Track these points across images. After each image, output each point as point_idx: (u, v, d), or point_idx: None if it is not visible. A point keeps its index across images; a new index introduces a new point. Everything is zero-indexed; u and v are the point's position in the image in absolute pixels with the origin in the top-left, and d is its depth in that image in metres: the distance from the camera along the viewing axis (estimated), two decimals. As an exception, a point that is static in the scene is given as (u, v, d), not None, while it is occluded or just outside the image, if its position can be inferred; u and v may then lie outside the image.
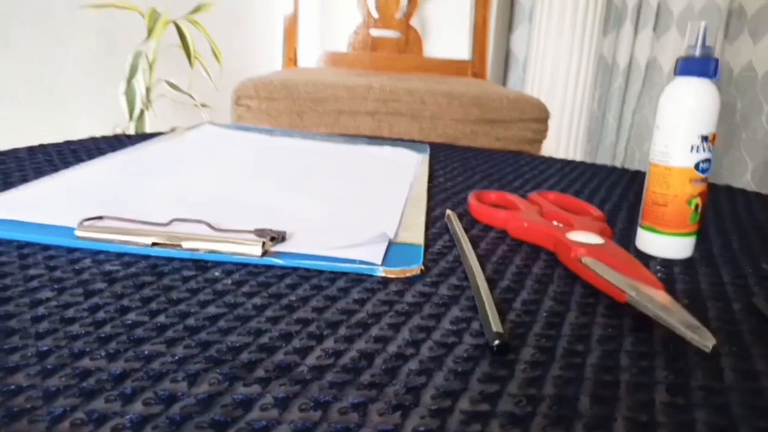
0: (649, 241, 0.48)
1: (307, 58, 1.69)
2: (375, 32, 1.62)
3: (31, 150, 0.67)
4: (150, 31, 1.21)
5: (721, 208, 0.65)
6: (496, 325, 0.32)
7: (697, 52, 0.44)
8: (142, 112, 1.25)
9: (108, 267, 0.39)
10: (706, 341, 0.31)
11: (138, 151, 0.68)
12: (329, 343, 0.31)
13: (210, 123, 0.86)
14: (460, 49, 1.72)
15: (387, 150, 0.79)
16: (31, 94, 1.23)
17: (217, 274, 0.39)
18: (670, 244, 0.47)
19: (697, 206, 0.46)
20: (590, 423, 0.26)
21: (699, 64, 0.44)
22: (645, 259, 0.47)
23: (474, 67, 1.60)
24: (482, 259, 0.44)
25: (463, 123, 1.07)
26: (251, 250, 0.41)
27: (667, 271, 0.44)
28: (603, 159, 1.98)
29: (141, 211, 0.46)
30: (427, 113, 1.06)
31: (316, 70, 1.42)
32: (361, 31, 1.60)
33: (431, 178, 0.69)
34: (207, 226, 0.44)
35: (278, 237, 0.43)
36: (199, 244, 0.41)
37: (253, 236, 0.42)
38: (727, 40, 1.87)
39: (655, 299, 0.34)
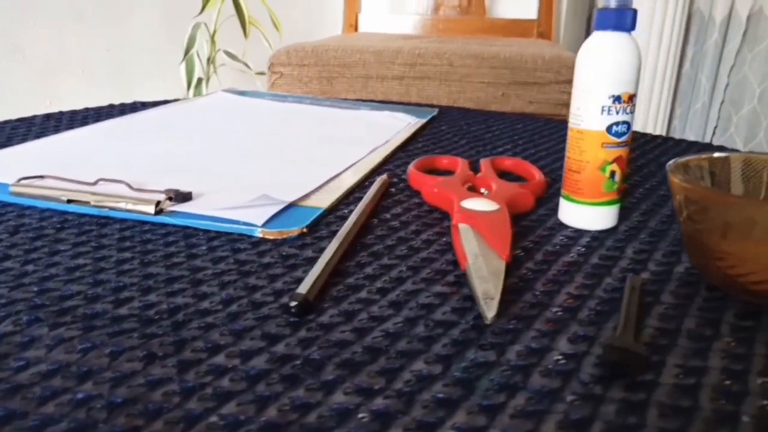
0: (566, 211, 0.45)
1: (374, 22, 1.69)
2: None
3: (47, 117, 0.75)
4: (205, 3, 1.27)
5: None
6: (304, 287, 0.32)
7: (613, 3, 0.40)
8: (200, 81, 1.33)
9: (25, 220, 0.44)
10: (487, 313, 0.29)
11: (133, 117, 0.73)
12: (151, 296, 0.33)
13: (226, 90, 0.91)
14: (529, 8, 1.64)
15: (380, 114, 0.79)
16: (102, 65, 1.35)
17: (109, 230, 0.42)
18: (584, 214, 0.44)
19: (613, 173, 0.42)
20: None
21: (614, 17, 0.40)
22: (562, 230, 0.44)
23: (540, 27, 1.52)
24: (382, 224, 0.44)
25: (494, 86, 1.03)
26: (146, 208, 0.44)
27: (568, 243, 0.41)
28: (694, 124, 1.80)
29: (92, 173, 0.50)
30: (456, 76, 1.03)
31: (364, 35, 1.43)
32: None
33: (408, 143, 0.69)
34: (126, 185, 0.48)
35: (178, 197, 0.46)
36: (105, 201, 0.45)
37: (159, 195, 0.45)
38: None
39: (483, 268, 0.33)
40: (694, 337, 0.30)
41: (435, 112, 0.85)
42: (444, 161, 0.58)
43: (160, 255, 0.39)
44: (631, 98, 0.41)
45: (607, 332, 0.30)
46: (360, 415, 0.24)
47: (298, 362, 0.27)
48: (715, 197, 0.31)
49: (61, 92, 1.30)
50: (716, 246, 0.31)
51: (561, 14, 1.63)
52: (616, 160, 0.42)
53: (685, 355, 0.28)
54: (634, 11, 0.40)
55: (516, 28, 1.54)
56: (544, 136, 0.75)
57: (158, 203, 0.44)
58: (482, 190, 0.50)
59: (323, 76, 1.07)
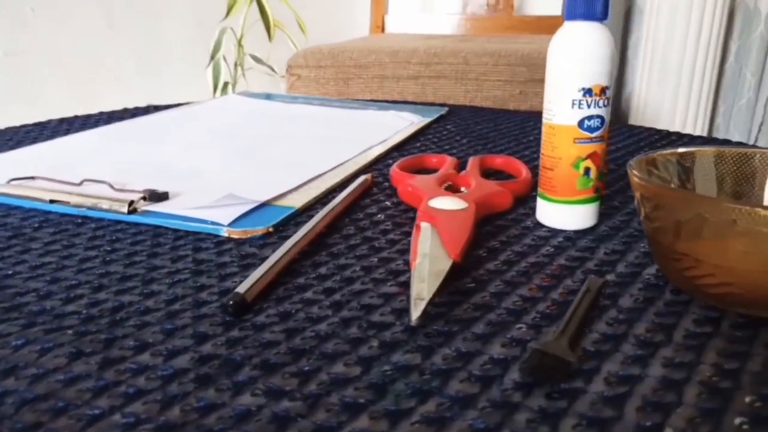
0: (542, 210, 0.43)
1: (403, 23, 1.69)
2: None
3: (61, 121, 0.77)
4: (230, 8, 1.30)
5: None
6: (244, 287, 0.32)
7: (583, -9, 0.38)
8: (226, 85, 1.35)
9: (8, 219, 0.45)
10: (413, 315, 0.28)
11: (138, 120, 0.75)
12: (101, 294, 0.34)
13: (239, 93, 0.92)
14: (557, 4, 1.60)
15: (384, 114, 0.78)
16: (133, 71, 1.40)
17: (84, 230, 0.43)
18: (559, 213, 0.42)
19: (587, 170, 0.40)
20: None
21: (583, 5, 0.38)
22: (537, 230, 0.42)
23: (569, 23, 1.48)
24: (353, 223, 0.44)
25: (511, 84, 1.00)
26: (120, 207, 0.45)
27: (538, 243, 0.40)
28: (738, 122, 1.72)
29: (84, 174, 0.51)
30: (472, 75, 1.01)
31: (390, 36, 1.42)
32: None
33: (408, 142, 0.68)
34: (108, 186, 0.49)
35: (153, 197, 0.46)
36: (84, 201, 0.46)
37: (135, 195, 0.46)
38: None
39: (425, 269, 0.32)
40: (640, 344, 0.28)
41: (444, 110, 0.84)
42: (433, 160, 0.57)
43: (123, 254, 0.39)
44: (604, 91, 0.39)
45: (545, 337, 0.28)
46: (257, 418, 0.23)
47: (216, 362, 0.27)
48: (665, 193, 0.29)
49: (94, 97, 1.35)
50: (671, 246, 0.29)
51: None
52: (591, 156, 0.40)
53: (624, 362, 0.26)
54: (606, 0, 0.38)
55: (545, 25, 1.51)
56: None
57: (132, 203, 0.45)
58: (462, 189, 0.48)
59: (339, 77, 1.07)
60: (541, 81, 1.12)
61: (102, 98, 1.36)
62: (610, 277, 0.35)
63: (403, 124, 0.74)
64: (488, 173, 0.54)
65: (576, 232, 0.42)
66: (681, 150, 0.34)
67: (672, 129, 0.80)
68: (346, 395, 0.25)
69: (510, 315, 0.31)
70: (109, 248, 0.40)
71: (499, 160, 0.56)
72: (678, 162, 0.34)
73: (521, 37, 1.34)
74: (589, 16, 0.38)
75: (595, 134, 0.40)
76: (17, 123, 0.76)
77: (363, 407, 0.24)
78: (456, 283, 0.34)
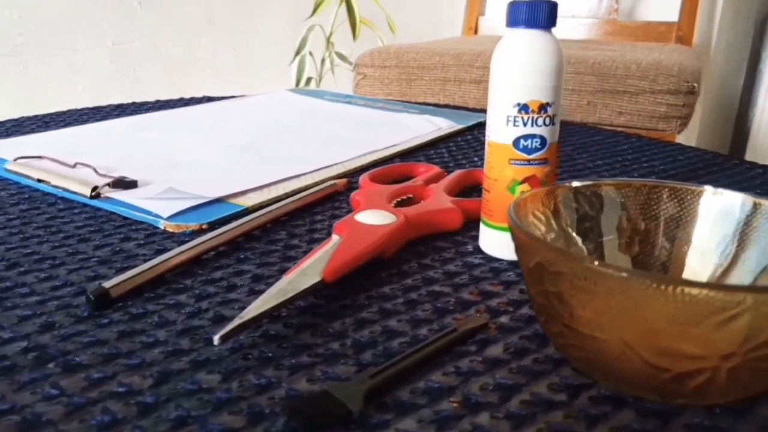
0: (482, 235, 0.39)
1: (499, 26, 1.63)
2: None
3: (116, 107, 0.83)
4: (316, 6, 1.33)
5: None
6: (112, 281, 0.32)
7: (527, -6, 0.34)
8: (309, 81, 1.39)
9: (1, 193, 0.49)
10: (218, 333, 0.26)
11: (176, 111, 0.78)
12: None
13: (290, 89, 0.93)
14: (671, 10, 1.45)
15: (413, 118, 0.75)
16: (229, 64, 1.47)
17: (52, 209, 0.46)
18: (495, 240, 0.37)
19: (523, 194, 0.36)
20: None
21: (525, 11, 0.34)
22: (467, 256, 0.38)
23: (680, 30, 1.34)
24: (286, 228, 0.42)
25: (578, 93, 0.93)
26: (83, 190, 0.47)
27: (452, 270, 0.36)
28: None
29: (93, 158, 0.54)
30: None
31: (480, 38, 1.37)
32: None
33: (422, 149, 0.65)
34: (93, 170, 0.51)
35: (119, 184, 0.48)
36: (60, 182, 0.49)
37: (103, 180, 0.48)
38: None
39: (281, 286, 0.30)
40: (465, 405, 0.24)
41: (484, 118, 0.79)
42: (420, 169, 0.54)
43: (61, 236, 0.41)
44: (544, 107, 0.34)
45: (359, 377, 0.25)
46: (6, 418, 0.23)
47: (34, 353, 0.27)
48: (516, 233, 0.24)
49: (191, 88, 1.44)
50: (532, 293, 0.25)
51: (715, 18, 1.42)
52: (528, 180, 0.35)
53: (420, 423, 0.23)
54: (552, 4, 0.33)
55: (653, 31, 1.38)
56: (589, 150, 0.66)
57: (95, 188, 0.47)
58: (422, 202, 0.45)
59: (403, 78, 1.05)
60: (611, 92, 1.03)
61: (197, 87, 1.45)
62: (505, 320, 0.31)
63: (428, 129, 0.71)
64: (471, 189, 0.50)
65: (510, 263, 0.37)
66: (575, 184, 0.29)
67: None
68: (112, 407, 0.24)
69: (343, 348, 0.28)
70: (55, 229, 0.42)
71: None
72: (595, 195, 0.29)
73: (615, 44, 1.23)
74: (531, 23, 0.34)
75: (533, 156, 0.35)
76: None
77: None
78: (332, 303, 0.32)
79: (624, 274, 0.19)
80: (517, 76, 0.34)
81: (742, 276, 0.26)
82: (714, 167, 0.61)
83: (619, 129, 0.89)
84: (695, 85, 0.87)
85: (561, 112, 0.36)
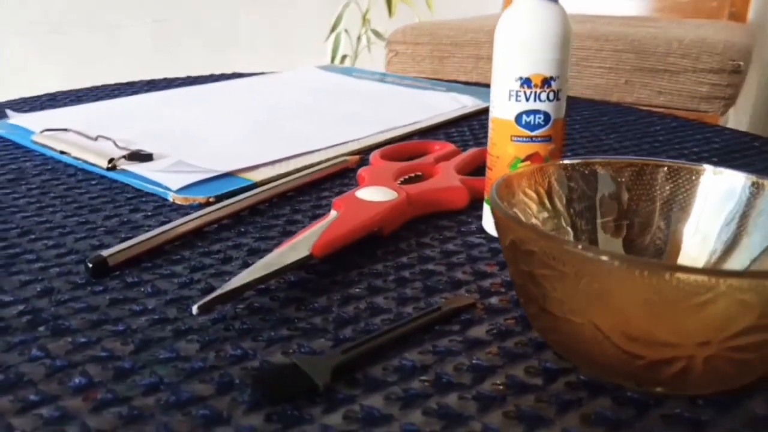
0: (485, 215, 0.38)
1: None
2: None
3: (148, 82, 0.85)
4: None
5: None
6: (111, 250, 0.33)
7: (533, -38, 0.32)
8: (344, 58, 1.38)
9: (24, 164, 0.51)
10: (197, 303, 0.26)
11: (205, 86, 0.79)
12: (13, 239, 0.37)
13: (319, 66, 0.93)
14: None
15: (438, 95, 0.74)
16: (267, 41, 1.48)
17: (71, 180, 0.47)
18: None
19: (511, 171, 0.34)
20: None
21: (531, -21, 0.32)
22: (468, 236, 0.37)
23: (733, 6, 1.27)
24: (293, 203, 0.42)
25: (616, 71, 0.89)
26: (100, 162, 0.48)
27: (451, 250, 0.35)
28: None
29: (116, 132, 0.56)
30: (572, 59, 0.91)
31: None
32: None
33: (443, 127, 0.64)
34: (113, 143, 0.53)
35: (135, 157, 0.49)
36: (80, 154, 0.50)
37: (120, 153, 0.49)
38: None
39: (269, 259, 0.30)
40: (433, 383, 0.23)
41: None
42: (435, 147, 0.53)
43: (75, 206, 0.42)
44: (547, 81, 0.33)
45: (332, 351, 0.25)
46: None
47: (19, 317, 0.28)
48: (496, 213, 0.23)
49: (229, 62, 1.46)
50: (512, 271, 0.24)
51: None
52: (531, 157, 0.34)
53: (387, 400, 0.23)
54: (557, -27, 0.32)
55: (704, 7, 1.31)
56: (618, 130, 0.63)
57: (111, 160, 0.48)
58: (430, 180, 0.44)
59: (435, 55, 1.04)
60: (650, 70, 0.98)
61: (236, 63, 1.47)
62: (494, 300, 0.30)
63: (453, 107, 0.70)
64: (478, 166, 0.49)
65: (512, 243, 0.36)
66: (566, 162, 0.27)
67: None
68: (91, 371, 0.24)
69: (326, 323, 0.28)
70: (72, 199, 0.44)
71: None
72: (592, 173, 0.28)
73: (662, 21, 1.18)
74: (536, -8, 0.32)
75: (536, 132, 0.34)
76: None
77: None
78: (322, 279, 0.32)
79: (590, 254, 0.18)
80: (519, 47, 0.33)
81: (741, 262, 0.24)
82: (751, 150, 0.57)
83: (659, 110, 0.85)
84: (741, 63, 0.82)
85: (567, 87, 0.34)
